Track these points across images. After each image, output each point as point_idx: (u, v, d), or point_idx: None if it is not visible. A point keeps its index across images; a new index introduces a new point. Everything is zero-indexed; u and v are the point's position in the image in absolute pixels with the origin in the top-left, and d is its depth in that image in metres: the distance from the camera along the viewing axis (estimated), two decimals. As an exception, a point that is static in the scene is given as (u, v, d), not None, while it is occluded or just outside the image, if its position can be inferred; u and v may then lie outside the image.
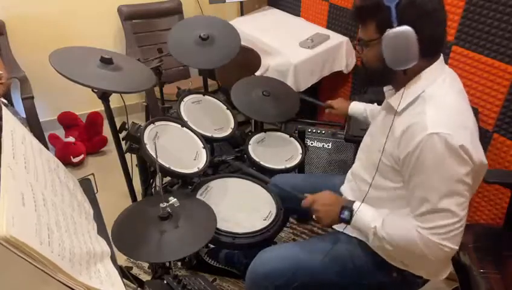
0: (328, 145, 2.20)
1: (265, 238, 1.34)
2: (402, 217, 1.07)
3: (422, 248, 0.98)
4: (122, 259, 1.05)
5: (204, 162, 1.49)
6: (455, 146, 0.92)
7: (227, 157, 1.93)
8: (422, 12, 0.95)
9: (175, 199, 1.13)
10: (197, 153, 1.53)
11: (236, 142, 2.00)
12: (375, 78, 1.14)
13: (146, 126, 1.46)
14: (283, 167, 1.68)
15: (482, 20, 1.68)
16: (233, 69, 2.04)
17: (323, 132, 2.20)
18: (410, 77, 1.04)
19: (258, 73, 2.30)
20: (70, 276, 0.69)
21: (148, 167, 1.74)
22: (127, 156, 1.58)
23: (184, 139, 1.57)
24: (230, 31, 1.87)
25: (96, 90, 1.39)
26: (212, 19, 1.92)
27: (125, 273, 1.17)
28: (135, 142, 1.44)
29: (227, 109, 1.85)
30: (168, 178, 1.83)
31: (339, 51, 2.42)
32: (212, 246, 1.79)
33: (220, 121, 1.78)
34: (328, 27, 2.60)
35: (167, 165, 1.36)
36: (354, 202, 1.14)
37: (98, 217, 1.04)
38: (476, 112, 1.38)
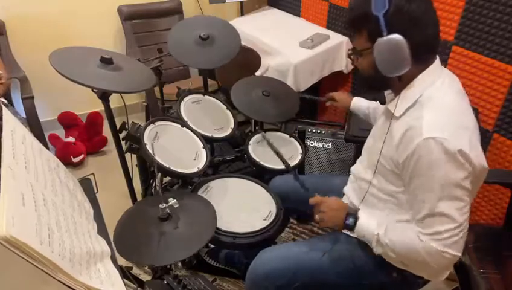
0: (328, 145, 2.20)
1: (265, 238, 1.34)
2: (405, 223, 1.08)
3: (425, 256, 0.98)
4: (122, 259, 1.05)
5: (204, 162, 1.49)
6: (452, 151, 0.92)
7: (227, 157, 1.93)
8: (411, 18, 0.95)
9: (174, 200, 1.13)
10: (197, 153, 1.53)
11: (236, 142, 2.00)
12: (372, 84, 1.15)
13: (146, 126, 1.46)
14: (283, 167, 1.68)
15: (482, 20, 1.68)
16: (233, 69, 2.04)
17: (323, 132, 2.20)
18: (406, 82, 1.04)
19: (258, 73, 2.30)
20: (70, 276, 0.69)
21: (148, 167, 1.74)
22: (127, 156, 1.58)
23: (184, 139, 1.57)
24: (230, 31, 1.87)
25: (96, 90, 1.40)
26: (212, 19, 1.92)
27: (125, 273, 1.17)
28: (135, 142, 1.44)
29: (227, 109, 1.85)
30: (168, 178, 1.83)
31: (339, 51, 2.42)
32: (212, 246, 1.79)
33: (220, 121, 1.78)
34: (328, 27, 2.59)
35: (167, 165, 1.36)
36: (358, 210, 1.15)
37: (98, 217, 1.04)
38: (476, 112, 1.39)
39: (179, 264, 1.81)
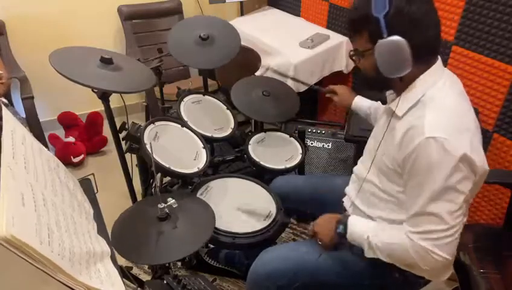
0: (328, 145, 2.20)
1: (265, 238, 1.34)
2: (396, 225, 1.08)
3: (413, 255, 0.98)
4: (122, 259, 1.05)
5: (204, 162, 1.49)
6: (452, 152, 0.92)
7: (227, 157, 1.93)
8: (412, 19, 0.95)
9: (173, 200, 1.13)
10: (197, 153, 1.53)
11: (236, 142, 2.00)
12: (374, 85, 1.15)
13: (146, 126, 1.46)
14: (283, 167, 1.68)
15: (482, 20, 1.68)
16: (233, 69, 2.04)
17: (323, 132, 2.20)
18: (407, 83, 1.04)
19: (258, 73, 2.30)
20: (70, 276, 0.69)
21: (148, 167, 1.74)
22: (127, 156, 1.58)
23: (184, 139, 1.57)
24: (230, 31, 1.87)
25: (96, 90, 1.40)
26: (212, 19, 1.92)
27: (125, 273, 1.17)
28: (135, 142, 1.44)
29: (227, 109, 1.85)
30: (168, 178, 1.83)
31: (339, 51, 2.42)
32: (212, 246, 1.79)
33: (220, 121, 1.78)
34: (328, 27, 2.60)
35: (167, 165, 1.36)
36: (349, 216, 1.15)
37: (98, 217, 1.04)
38: (476, 112, 1.39)
39: (179, 264, 1.81)
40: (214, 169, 1.90)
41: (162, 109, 2.07)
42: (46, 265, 0.65)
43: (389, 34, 0.94)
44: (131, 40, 2.83)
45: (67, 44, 1.44)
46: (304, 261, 1.21)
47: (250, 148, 1.73)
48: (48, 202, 0.80)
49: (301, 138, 2.12)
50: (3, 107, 1.03)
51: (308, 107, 2.75)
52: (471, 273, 1.30)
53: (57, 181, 0.94)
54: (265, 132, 1.86)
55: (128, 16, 2.81)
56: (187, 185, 1.57)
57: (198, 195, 1.45)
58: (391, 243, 1.04)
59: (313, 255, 1.21)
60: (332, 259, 1.20)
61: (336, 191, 1.36)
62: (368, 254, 1.10)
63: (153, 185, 1.73)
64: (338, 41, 2.41)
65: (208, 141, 1.62)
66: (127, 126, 1.48)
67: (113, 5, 2.78)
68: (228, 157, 1.93)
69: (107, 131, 2.50)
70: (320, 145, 2.20)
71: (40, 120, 2.28)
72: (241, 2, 2.95)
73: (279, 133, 1.89)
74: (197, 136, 1.59)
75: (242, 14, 2.98)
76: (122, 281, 0.88)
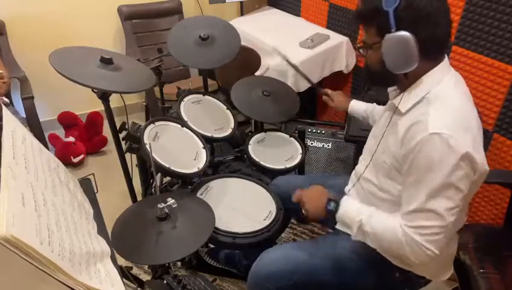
0: (328, 145, 2.20)
1: (265, 238, 1.34)
2: (390, 215, 1.07)
3: (405, 247, 0.98)
4: (122, 259, 1.05)
5: (204, 162, 1.49)
6: (456, 149, 0.92)
7: (227, 157, 1.93)
8: (421, 16, 0.95)
9: (173, 200, 1.13)
10: (197, 153, 1.53)
11: (236, 142, 2.00)
12: (378, 80, 1.15)
13: (146, 126, 1.46)
14: (283, 167, 1.68)
15: (482, 20, 1.68)
16: (233, 69, 2.04)
17: (323, 132, 2.20)
18: (413, 80, 1.03)
19: (258, 73, 2.30)
20: (70, 276, 0.69)
21: (148, 167, 1.74)
22: (127, 156, 1.58)
23: (184, 139, 1.57)
24: (230, 31, 1.87)
25: (96, 90, 1.39)
26: (212, 19, 1.92)
27: (125, 273, 1.17)
28: (135, 142, 1.44)
29: (227, 109, 1.85)
30: (168, 178, 1.83)
31: (339, 51, 2.42)
32: (212, 245, 1.79)
33: (220, 121, 1.78)
34: (328, 27, 2.60)
35: (167, 165, 1.36)
36: (341, 198, 1.14)
37: (98, 217, 1.04)
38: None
39: (179, 264, 1.81)
40: (214, 169, 1.90)
41: (162, 109, 2.07)
42: (46, 265, 0.65)
43: (398, 29, 0.94)
44: (131, 40, 2.83)
45: (67, 44, 1.44)
46: (303, 261, 1.20)
47: (250, 148, 1.73)
48: (48, 202, 0.80)
49: (301, 138, 2.12)
50: (4, 107, 1.03)
51: (308, 107, 2.75)
52: (471, 273, 1.30)
53: (57, 181, 0.94)
54: (265, 132, 1.86)
55: (128, 16, 2.81)
56: (187, 185, 1.57)
57: (198, 195, 1.45)
58: (384, 231, 1.03)
59: (313, 255, 1.21)
60: (333, 259, 1.20)
61: (336, 191, 1.36)
62: (356, 237, 1.09)
63: (153, 185, 1.73)
64: (338, 41, 2.41)
65: (207, 141, 1.62)
66: (127, 126, 1.48)
67: (113, 5, 2.78)
68: (228, 157, 1.93)
69: (107, 131, 2.50)
70: (320, 145, 2.20)
71: (40, 120, 2.28)
72: (241, 2, 2.95)
73: (279, 133, 1.89)
74: (197, 136, 1.59)
75: (242, 14, 2.98)
76: (122, 281, 0.88)
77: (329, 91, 1.66)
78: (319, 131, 2.20)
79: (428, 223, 0.95)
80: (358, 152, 1.33)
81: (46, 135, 2.45)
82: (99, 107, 1.89)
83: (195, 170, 1.44)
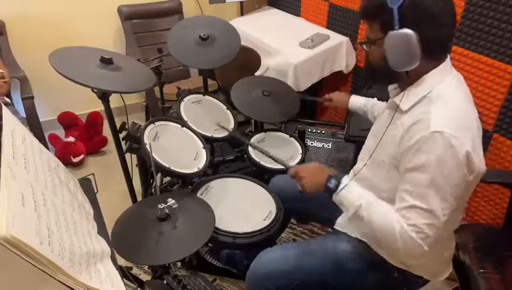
0: (328, 145, 2.20)
1: (265, 238, 1.34)
2: (390, 207, 1.06)
3: (399, 242, 0.97)
4: (122, 259, 1.05)
5: (204, 162, 1.49)
6: (457, 148, 0.92)
7: (227, 157, 1.93)
8: (426, 15, 0.95)
9: (173, 200, 1.13)
10: (197, 153, 1.53)
11: (236, 142, 2.00)
12: (379, 77, 1.15)
13: (146, 126, 1.46)
14: (283, 167, 1.68)
15: (482, 20, 1.68)
16: (233, 69, 2.04)
17: (323, 132, 2.20)
18: (414, 78, 1.03)
19: (258, 73, 2.30)
20: (70, 276, 0.69)
21: (148, 167, 1.74)
22: (127, 156, 1.58)
23: (184, 139, 1.57)
24: (230, 31, 1.87)
25: (96, 90, 1.39)
26: (212, 19, 1.92)
27: (125, 273, 1.17)
28: (135, 142, 1.44)
29: (227, 109, 1.85)
30: (168, 178, 1.83)
31: (339, 51, 2.42)
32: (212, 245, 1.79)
33: (219, 121, 1.78)
34: (328, 27, 2.60)
35: (167, 165, 1.36)
36: (343, 176, 1.13)
37: (98, 217, 1.04)
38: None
39: (179, 264, 1.81)
40: (214, 169, 1.90)
41: (162, 109, 2.07)
42: (46, 265, 0.65)
43: (401, 26, 0.94)
44: (131, 40, 2.83)
45: (67, 44, 1.44)
46: (303, 261, 1.20)
47: (250, 148, 1.73)
48: (48, 202, 0.80)
49: (301, 138, 2.12)
50: (4, 107, 1.03)
51: (308, 107, 2.75)
52: (471, 273, 1.30)
53: (57, 181, 0.94)
54: (265, 132, 1.86)
55: (128, 16, 2.81)
56: (187, 185, 1.57)
57: (198, 195, 1.45)
58: (381, 222, 1.01)
59: (312, 255, 1.21)
60: (332, 260, 1.20)
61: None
62: (350, 219, 1.09)
63: (153, 185, 1.73)
64: (338, 41, 2.41)
65: (208, 141, 1.62)
66: (127, 126, 1.48)
67: (113, 5, 2.78)
68: (228, 157, 1.93)
69: (107, 131, 2.50)
70: (320, 145, 2.20)
71: (40, 120, 2.28)
72: (241, 2, 2.95)
73: (279, 133, 1.89)
74: (197, 136, 1.59)
75: (242, 14, 2.98)
76: (122, 281, 0.87)
77: (327, 96, 1.68)
78: (319, 131, 2.20)
79: (424, 221, 0.95)
80: (358, 152, 1.33)
81: (46, 135, 2.45)
82: (99, 107, 1.89)
83: (195, 170, 1.44)
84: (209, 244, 1.74)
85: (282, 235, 2.05)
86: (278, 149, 1.79)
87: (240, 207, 1.45)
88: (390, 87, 1.19)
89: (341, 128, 2.26)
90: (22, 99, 2.23)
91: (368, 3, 1.03)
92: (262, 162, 1.67)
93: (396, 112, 1.08)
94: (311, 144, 2.20)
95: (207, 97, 1.85)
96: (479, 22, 1.69)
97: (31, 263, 0.64)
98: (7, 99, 2.17)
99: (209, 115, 1.77)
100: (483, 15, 1.67)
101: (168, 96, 2.21)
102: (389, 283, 1.17)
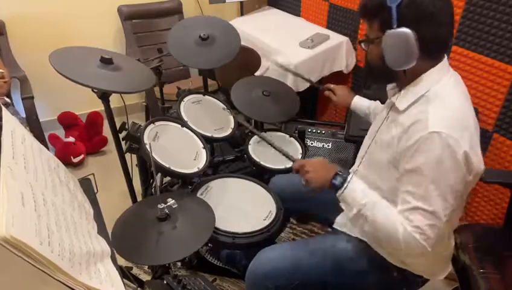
0: (328, 145, 2.20)
1: (265, 238, 1.34)
2: (393, 208, 1.06)
3: (401, 242, 0.97)
4: (122, 259, 1.05)
5: (204, 162, 1.49)
6: (455, 148, 0.92)
7: (227, 157, 1.93)
8: (424, 14, 0.95)
9: (173, 200, 1.13)
10: (197, 153, 1.53)
11: (236, 142, 2.00)
12: (377, 76, 1.15)
13: (146, 126, 1.46)
14: (283, 167, 1.68)
15: (482, 20, 1.68)
16: (233, 69, 2.04)
17: (323, 132, 2.20)
18: (412, 77, 1.04)
19: (258, 73, 2.30)
20: (70, 276, 0.69)
21: (148, 167, 1.74)
22: (127, 156, 1.58)
23: (184, 139, 1.57)
24: (230, 31, 1.87)
25: (96, 90, 1.40)
26: (212, 19, 1.92)
27: (125, 273, 1.17)
28: (135, 142, 1.44)
29: (227, 109, 1.85)
30: (168, 178, 1.83)
31: (339, 51, 2.42)
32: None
33: (220, 121, 1.78)
34: (328, 27, 2.60)
35: (167, 165, 1.36)
36: (348, 173, 1.13)
37: (98, 217, 1.04)
38: (476, 112, 1.39)
39: (179, 264, 1.81)
40: (214, 169, 1.90)
41: (162, 109, 2.07)
42: (46, 265, 0.65)
43: (400, 25, 0.94)
44: (131, 40, 2.83)
45: (67, 44, 1.44)
46: (302, 260, 1.20)
47: (250, 148, 1.73)
48: (48, 202, 0.80)
49: (301, 138, 2.12)
50: (3, 107, 1.03)
51: (308, 107, 2.75)
52: (471, 273, 1.30)
53: (57, 181, 0.94)
54: (265, 132, 1.86)
55: (128, 16, 2.81)
56: (187, 185, 1.57)
57: (198, 195, 1.45)
58: (385, 223, 1.01)
59: (311, 254, 1.21)
60: (332, 259, 1.20)
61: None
62: (352, 218, 1.08)
63: (153, 185, 1.73)
64: (338, 41, 2.41)
65: (207, 141, 1.62)
66: (127, 126, 1.48)
67: (113, 5, 2.78)
68: (228, 157, 1.93)
69: (107, 131, 2.50)
70: (320, 145, 2.20)
71: (40, 120, 2.28)
72: (241, 2, 2.95)
73: (279, 133, 1.89)
74: (197, 136, 1.59)
75: (242, 14, 2.98)
76: (122, 281, 0.87)
77: (331, 85, 1.64)
78: (319, 131, 2.20)
79: (426, 222, 0.95)
80: (358, 152, 1.33)
81: (46, 135, 2.45)
82: (99, 107, 1.89)
83: (195, 170, 1.44)
84: (209, 244, 1.75)
85: (282, 235, 2.05)
86: (278, 149, 1.79)
87: (240, 207, 1.45)
88: (389, 87, 1.19)
89: (341, 128, 2.26)
90: (22, 99, 2.23)
91: (368, 2, 1.04)
92: (262, 162, 1.67)
93: (394, 111, 1.08)
94: (311, 144, 2.20)
95: (207, 97, 1.84)
96: (479, 22, 1.69)
97: (30, 263, 0.64)
98: (7, 100, 2.17)
99: (209, 115, 1.77)
100: (483, 15, 1.67)
101: (168, 96, 2.21)
102: (389, 282, 1.17)
